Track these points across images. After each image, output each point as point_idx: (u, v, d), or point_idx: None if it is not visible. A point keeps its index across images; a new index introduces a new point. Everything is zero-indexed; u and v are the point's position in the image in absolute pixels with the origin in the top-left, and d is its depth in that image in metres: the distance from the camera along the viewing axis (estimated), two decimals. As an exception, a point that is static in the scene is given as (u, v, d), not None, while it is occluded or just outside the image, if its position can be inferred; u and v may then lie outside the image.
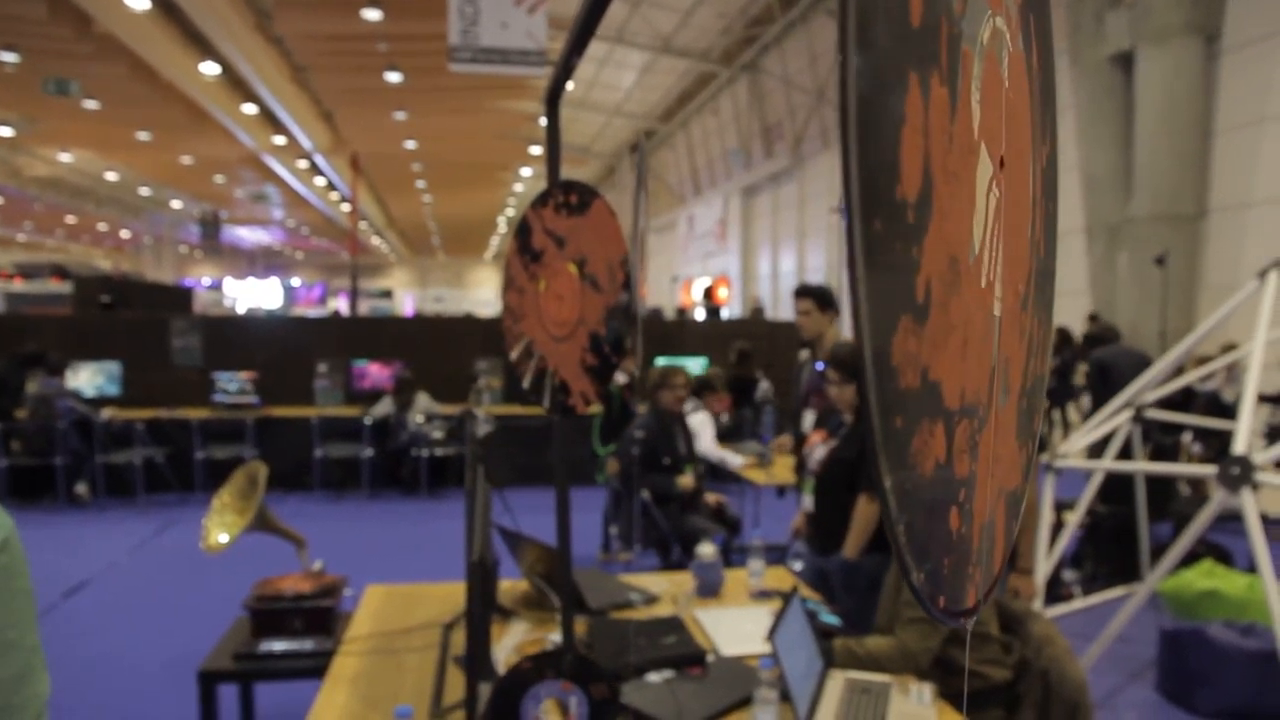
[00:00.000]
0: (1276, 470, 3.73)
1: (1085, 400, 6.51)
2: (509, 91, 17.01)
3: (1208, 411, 6.13)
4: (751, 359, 7.77)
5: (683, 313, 19.44)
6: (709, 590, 2.64)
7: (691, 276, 24.87)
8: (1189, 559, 4.30)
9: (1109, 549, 5.04)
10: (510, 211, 33.10)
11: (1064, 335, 9.40)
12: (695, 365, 7.50)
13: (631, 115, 23.58)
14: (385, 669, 2.07)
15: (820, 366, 3.84)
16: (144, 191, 28.37)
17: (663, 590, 2.67)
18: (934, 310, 0.44)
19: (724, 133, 21.29)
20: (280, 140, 20.31)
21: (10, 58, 12.93)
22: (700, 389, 6.10)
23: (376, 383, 7.95)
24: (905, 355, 0.42)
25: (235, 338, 8.14)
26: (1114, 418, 4.50)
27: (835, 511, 3.09)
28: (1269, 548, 3.07)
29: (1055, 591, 4.67)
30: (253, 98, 16.93)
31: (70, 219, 31.08)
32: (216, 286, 35.79)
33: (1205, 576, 4.23)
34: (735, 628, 2.34)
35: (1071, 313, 10.30)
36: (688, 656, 2.08)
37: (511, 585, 2.60)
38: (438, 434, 7.64)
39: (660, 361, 6.51)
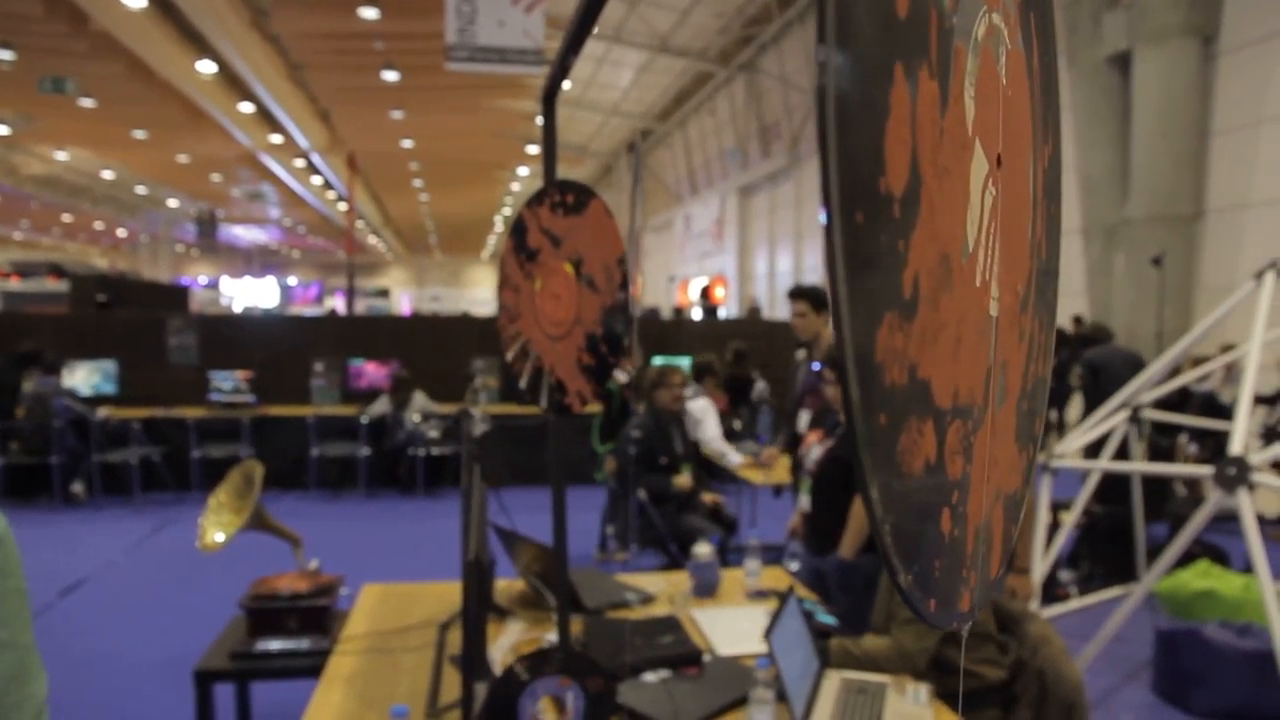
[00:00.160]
0: (1272, 471, 3.74)
1: (1078, 401, 6.52)
2: (506, 90, 17.00)
3: (1204, 412, 6.14)
4: (748, 359, 7.76)
5: (679, 312, 19.44)
6: (705, 590, 2.64)
7: (688, 276, 24.88)
8: (1185, 559, 4.30)
9: (1105, 549, 5.04)
10: (507, 211, 33.08)
11: (1061, 335, 9.41)
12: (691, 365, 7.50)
13: (628, 115, 23.57)
14: (381, 668, 2.07)
15: (816, 367, 3.85)
16: (140, 190, 28.33)
17: (659, 590, 2.67)
18: (923, 307, 0.43)
19: (721, 132, 21.29)
20: (277, 139, 20.28)
21: (6, 55, 12.90)
22: (700, 374, 6.10)
23: (373, 382, 7.94)
24: (890, 351, 0.41)
25: (232, 337, 8.12)
26: (1110, 418, 4.51)
27: (832, 512, 3.09)
28: (1265, 548, 3.07)
29: (1051, 591, 4.68)
30: (249, 96, 16.91)
31: (67, 217, 31.02)
32: (213, 285, 35.75)
33: (1201, 577, 4.24)
34: (732, 627, 2.34)
35: (1067, 314, 10.32)
36: (684, 656, 2.08)
37: (508, 585, 2.59)
38: (434, 433, 7.63)
39: (657, 361, 6.51)
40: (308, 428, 7.50)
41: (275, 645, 2.56)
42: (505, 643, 2.23)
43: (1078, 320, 9.76)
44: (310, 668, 2.34)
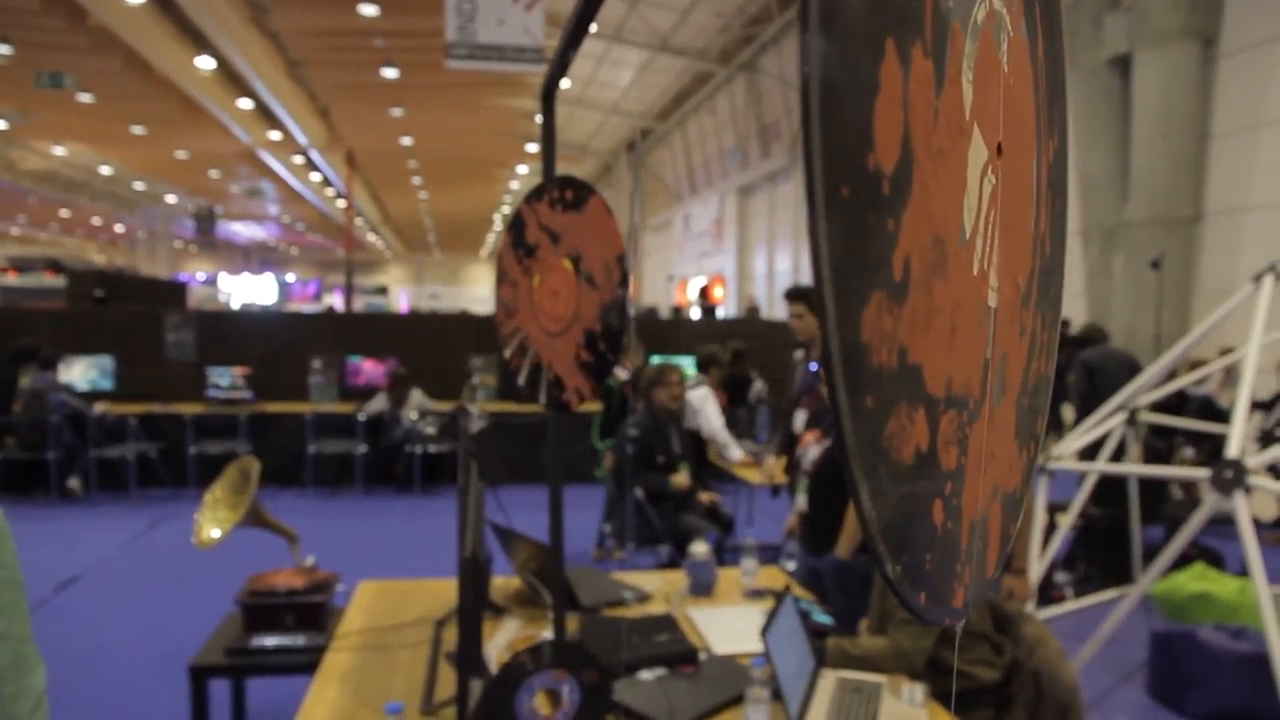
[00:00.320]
0: (1269, 474, 3.74)
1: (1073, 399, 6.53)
2: (506, 88, 16.98)
3: (1201, 415, 6.15)
4: (746, 359, 7.76)
5: (678, 312, 19.43)
6: (702, 589, 2.64)
7: (687, 276, 24.87)
8: (1181, 562, 4.30)
9: (1101, 551, 5.05)
10: (506, 209, 33.06)
11: (1062, 336, 9.42)
12: (691, 365, 7.50)
13: (628, 114, 23.56)
14: (377, 665, 2.07)
15: (814, 367, 3.84)
16: (139, 186, 28.29)
17: (656, 588, 2.67)
18: (914, 290, 0.42)
19: (721, 132, 21.29)
20: (276, 135, 20.26)
21: (4, 50, 12.87)
22: (705, 364, 6.10)
23: (371, 379, 7.94)
24: (879, 332, 0.40)
25: (229, 333, 8.11)
26: (1107, 420, 4.51)
27: (828, 511, 3.09)
28: (1260, 552, 3.07)
29: (1047, 593, 4.68)
30: (248, 93, 16.89)
31: (64, 213, 30.96)
32: (211, 282, 35.72)
33: (1197, 579, 4.24)
34: (728, 626, 2.34)
35: (1067, 314, 10.32)
36: (680, 655, 2.07)
37: (504, 582, 2.59)
38: (431, 430, 7.63)
39: (655, 360, 6.51)
40: (305, 425, 7.50)
41: (271, 641, 2.56)
42: (501, 640, 2.23)
43: (1064, 323, 9.77)
44: (306, 664, 2.34)
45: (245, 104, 17.51)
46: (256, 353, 7.89)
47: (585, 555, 5.40)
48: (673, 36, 17.66)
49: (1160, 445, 6.16)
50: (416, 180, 27.54)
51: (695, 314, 17.84)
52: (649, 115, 23.88)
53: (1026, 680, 2.23)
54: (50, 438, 6.85)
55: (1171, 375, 4.75)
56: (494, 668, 1.98)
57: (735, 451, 5.25)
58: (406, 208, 33.28)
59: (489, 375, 8.17)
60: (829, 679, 2.01)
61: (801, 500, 3.40)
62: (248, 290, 34.54)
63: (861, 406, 0.40)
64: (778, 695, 1.82)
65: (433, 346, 8.27)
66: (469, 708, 1.44)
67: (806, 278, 17.33)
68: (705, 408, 5.28)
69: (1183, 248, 9.11)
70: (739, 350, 7.79)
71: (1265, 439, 6.04)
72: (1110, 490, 4.87)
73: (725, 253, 22.20)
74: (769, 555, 3.93)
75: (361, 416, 7.48)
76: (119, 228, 35.47)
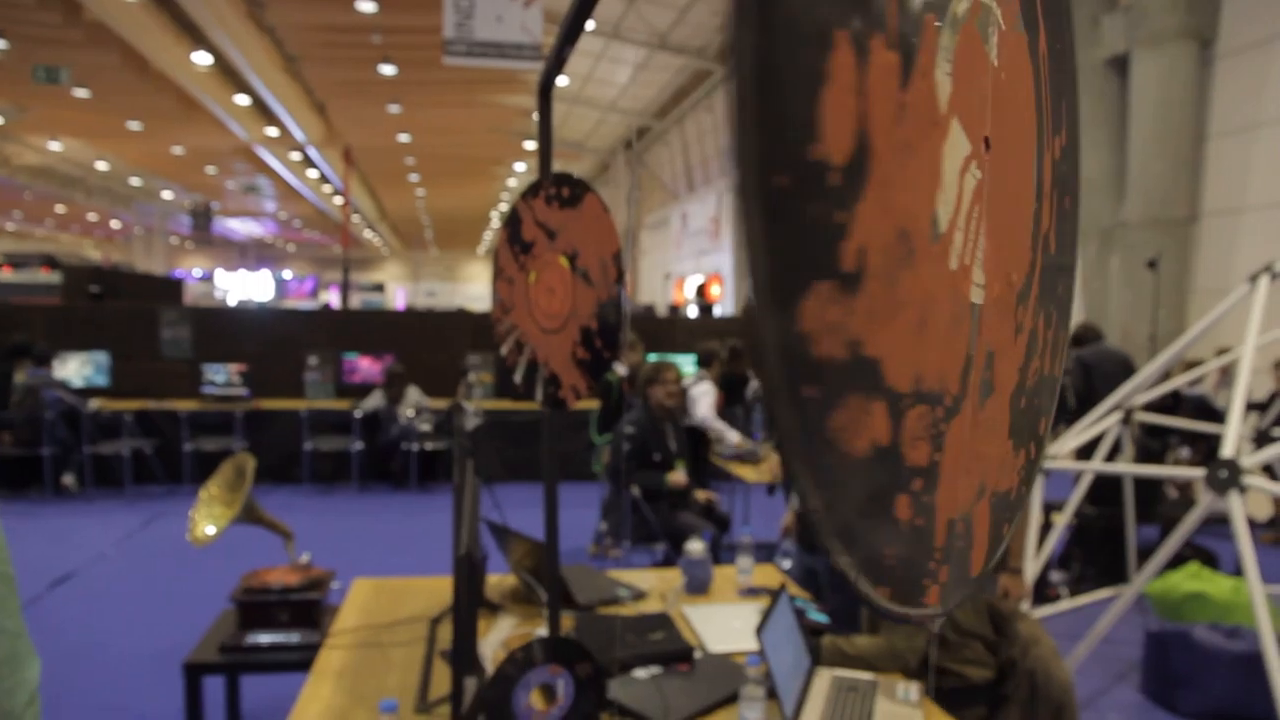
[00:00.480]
0: (1264, 474, 3.75)
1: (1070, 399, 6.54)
2: (503, 86, 16.96)
3: (1197, 415, 6.16)
4: (743, 357, 7.76)
5: (675, 310, 19.43)
6: (697, 587, 2.64)
7: (684, 274, 24.86)
8: (1175, 561, 4.31)
9: (1096, 550, 5.05)
10: (504, 206, 33.01)
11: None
12: (687, 362, 7.51)
13: (626, 111, 23.53)
14: (371, 663, 2.06)
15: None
16: (135, 181, 28.21)
17: (651, 587, 2.67)
18: (871, 282, 0.40)
19: (719, 130, 21.26)
20: (273, 132, 20.21)
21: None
22: (707, 360, 6.11)
23: (367, 376, 7.93)
24: (821, 322, 0.39)
25: (225, 329, 8.10)
26: (1103, 420, 4.52)
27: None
28: (1255, 552, 3.08)
29: (1042, 592, 4.69)
30: (245, 88, 16.84)
31: (60, 208, 30.88)
32: (207, 278, 35.65)
33: (1191, 579, 4.25)
34: (723, 625, 2.34)
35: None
36: (675, 653, 2.07)
37: (499, 580, 2.59)
38: (426, 427, 7.62)
39: (652, 358, 6.50)
40: (301, 421, 7.49)
41: (265, 639, 2.55)
42: (496, 638, 2.22)
43: None
44: (300, 661, 2.34)
45: (242, 100, 17.47)
46: (252, 349, 7.87)
47: (581, 552, 5.40)
48: (671, 34, 17.64)
49: (1154, 445, 6.18)
50: (414, 177, 27.50)
51: (692, 312, 17.84)
52: (647, 113, 23.86)
53: (1021, 679, 2.23)
54: (45, 434, 6.83)
55: (1166, 375, 4.76)
56: (489, 666, 1.98)
57: (732, 435, 5.27)
58: (404, 205, 33.24)
59: (485, 372, 8.17)
60: (824, 677, 2.01)
61: (797, 499, 3.41)
62: (244, 287, 34.48)
63: (801, 396, 0.39)
64: (773, 694, 1.82)
65: (429, 344, 8.26)
66: (463, 706, 1.44)
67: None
68: (702, 400, 5.29)
69: (1179, 248, 9.13)
70: (736, 348, 7.80)
71: (1260, 439, 6.05)
72: (1105, 490, 4.88)
73: (723, 251, 22.18)
74: (765, 553, 3.93)
75: (358, 413, 7.47)
76: (115, 224, 35.38)
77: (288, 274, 39.59)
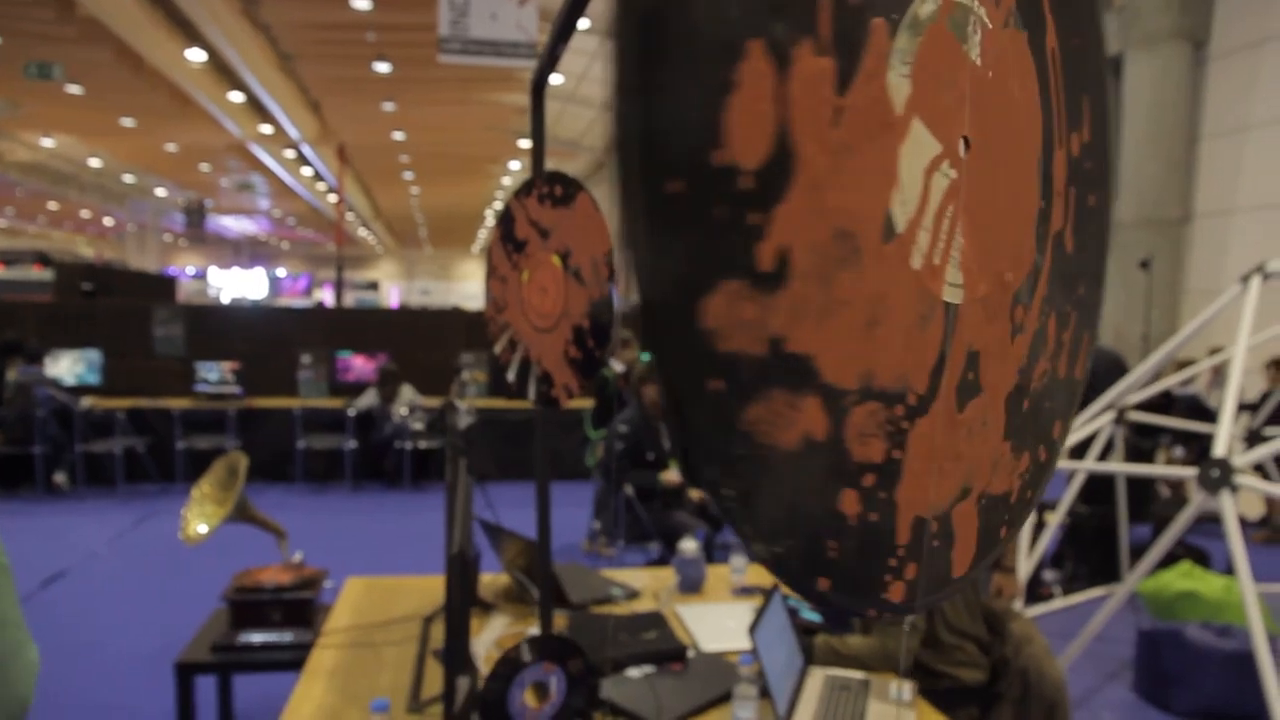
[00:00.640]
0: (1255, 474, 3.77)
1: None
2: (498, 84, 16.93)
3: (1190, 415, 6.18)
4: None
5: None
6: (691, 586, 2.64)
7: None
8: (1168, 560, 4.33)
9: (1089, 549, 5.07)
10: (498, 205, 32.98)
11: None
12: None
13: (621, 110, 23.49)
14: (364, 662, 2.06)
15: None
16: (128, 179, 28.09)
17: (644, 586, 2.67)
18: (797, 282, 0.41)
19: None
20: (267, 129, 20.15)
21: (-8, 40, 12.76)
22: None
23: (361, 375, 7.92)
24: (731, 320, 0.40)
25: (218, 327, 8.07)
26: (1096, 419, 4.53)
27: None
28: (1246, 550, 3.09)
29: (1035, 591, 4.70)
30: (239, 85, 16.78)
31: (52, 205, 30.75)
32: (201, 276, 35.53)
33: (1183, 578, 4.26)
34: (716, 624, 2.34)
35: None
36: (668, 652, 2.07)
37: (493, 579, 2.59)
38: (418, 425, 7.61)
39: (646, 358, 6.50)
40: (294, 420, 7.47)
41: (258, 638, 2.55)
42: (489, 637, 2.22)
43: None
44: (293, 661, 2.33)
45: (236, 97, 17.41)
46: (246, 347, 7.85)
47: (574, 550, 5.40)
48: (666, 33, 17.61)
49: (1145, 444, 6.20)
50: (408, 175, 27.44)
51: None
52: (642, 112, 23.83)
53: (1014, 678, 2.24)
54: (37, 432, 6.80)
55: (1159, 375, 4.78)
56: (481, 665, 1.97)
57: None
58: (398, 203, 33.16)
59: (479, 371, 8.16)
60: (817, 676, 2.01)
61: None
62: (238, 284, 34.38)
63: (704, 390, 0.39)
64: (766, 693, 1.82)
65: (423, 342, 8.25)
66: (456, 705, 1.43)
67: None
68: None
69: (1171, 248, 9.16)
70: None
71: (1252, 439, 6.08)
72: (1098, 489, 4.89)
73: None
74: (758, 552, 3.92)
75: (351, 412, 7.46)
76: (108, 221, 35.25)
77: (281, 272, 39.48)
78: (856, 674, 2.03)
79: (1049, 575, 4.93)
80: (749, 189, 0.39)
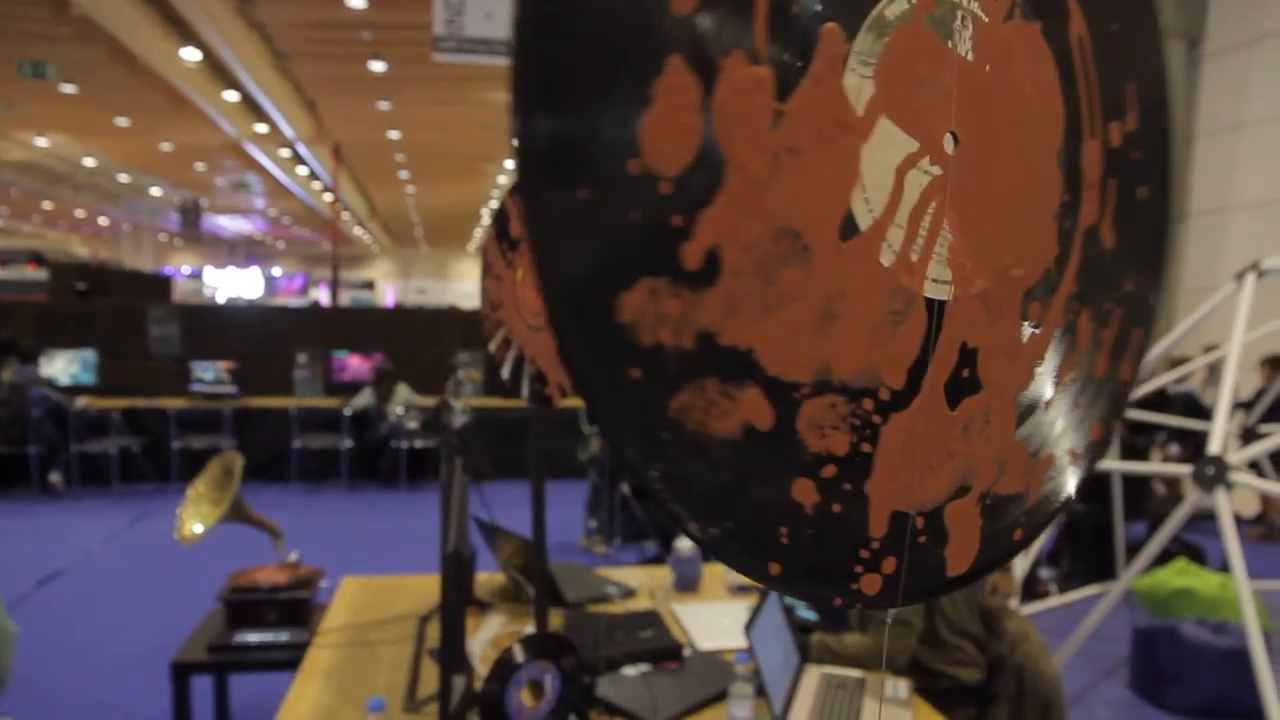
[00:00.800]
0: (1250, 471, 3.77)
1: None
2: (494, 82, 16.90)
3: (1185, 413, 6.19)
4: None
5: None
6: (687, 584, 2.64)
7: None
8: (1163, 558, 4.34)
9: (1085, 547, 5.08)
10: (494, 204, 32.94)
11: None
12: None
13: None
14: (360, 661, 2.05)
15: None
16: (123, 178, 28.03)
17: (640, 584, 2.67)
18: (729, 278, 0.43)
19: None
20: (262, 128, 20.11)
21: (-14, 39, 12.72)
22: None
23: (356, 374, 7.90)
24: (653, 314, 0.42)
25: (214, 327, 8.06)
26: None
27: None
28: (1241, 548, 3.10)
29: (1031, 588, 4.71)
30: (234, 85, 16.74)
31: (47, 205, 30.67)
32: (196, 275, 35.46)
33: (1179, 575, 4.27)
34: (712, 622, 2.34)
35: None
36: (664, 650, 2.07)
37: (489, 578, 2.59)
38: (413, 424, 7.60)
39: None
40: (290, 419, 7.46)
41: (254, 638, 2.54)
42: (485, 636, 2.22)
43: None
44: (288, 660, 2.33)
45: (231, 96, 17.37)
46: (241, 347, 7.84)
47: (569, 548, 5.40)
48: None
49: (1140, 442, 6.21)
50: (404, 174, 27.40)
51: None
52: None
53: (1010, 675, 2.24)
54: (31, 432, 6.78)
55: (1154, 372, 4.79)
56: (477, 664, 1.97)
57: None
58: (394, 202, 33.12)
59: (475, 370, 8.15)
60: (813, 675, 2.01)
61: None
62: (233, 284, 34.31)
63: (624, 379, 0.42)
64: (761, 691, 1.82)
65: (419, 341, 8.24)
66: (451, 704, 1.43)
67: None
68: None
69: (1167, 246, 9.18)
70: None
71: (1247, 436, 6.09)
72: (1094, 486, 4.90)
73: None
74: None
75: (347, 411, 7.45)
76: (103, 220, 35.16)
77: (277, 271, 39.40)
78: (852, 672, 2.04)
79: (1045, 573, 4.94)
80: (669, 193, 0.41)
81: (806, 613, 2.40)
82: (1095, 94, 0.53)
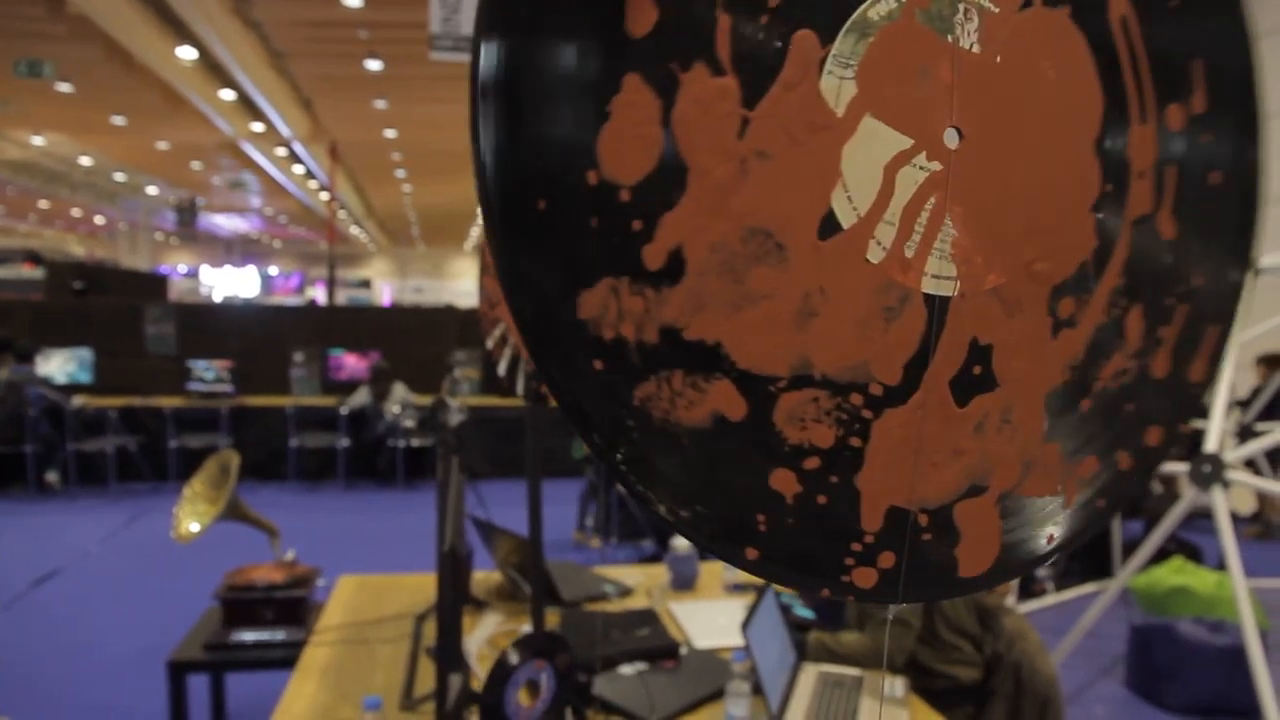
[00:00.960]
0: (1246, 469, 3.78)
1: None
2: (491, 82, 16.88)
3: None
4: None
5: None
6: (683, 583, 2.64)
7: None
8: (1160, 556, 4.34)
9: (1081, 545, 5.08)
10: (491, 203, 32.83)
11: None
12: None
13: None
14: (356, 660, 2.05)
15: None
16: (119, 177, 27.97)
17: (637, 583, 2.67)
18: (694, 277, 0.44)
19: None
20: (258, 127, 20.07)
21: (-19, 38, 12.69)
22: None
23: (353, 373, 7.90)
24: (612, 311, 0.43)
25: (210, 326, 8.05)
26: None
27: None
28: (1238, 546, 3.10)
29: (1028, 587, 4.72)
30: (230, 83, 16.71)
31: (43, 204, 30.60)
32: (193, 274, 35.42)
33: (1175, 573, 4.28)
34: (709, 621, 2.34)
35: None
36: (661, 649, 2.07)
37: (486, 576, 2.58)
38: (409, 423, 7.60)
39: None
40: (287, 418, 7.45)
41: (250, 636, 2.54)
42: (481, 635, 2.22)
43: None
44: (285, 659, 2.32)
45: (227, 95, 17.33)
46: (238, 346, 7.83)
47: (565, 545, 5.39)
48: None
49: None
50: (400, 173, 27.37)
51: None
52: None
53: (1007, 673, 2.24)
54: (28, 431, 6.77)
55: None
56: (474, 663, 1.97)
57: None
58: (390, 200, 33.08)
59: (471, 369, 8.15)
60: (810, 673, 2.01)
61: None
62: (230, 283, 34.28)
63: (588, 370, 0.43)
64: (758, 689, 1.82)
65: (416, 340, 8.24)
66: (448, 702, 1.43)
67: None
68: None
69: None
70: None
71: (1243, 434, 6.10)
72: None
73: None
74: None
75: (344, 410, 7.44)
76: (99, 219, 35.09)
77: (273, 270, 39.37)
78: (850, 671, 2.04)
79: (1041, 571, 4.95)
80: (629, 201, 0.42)
81: (804, 611, 2.40)
82: (1146, 77, 0.50)
